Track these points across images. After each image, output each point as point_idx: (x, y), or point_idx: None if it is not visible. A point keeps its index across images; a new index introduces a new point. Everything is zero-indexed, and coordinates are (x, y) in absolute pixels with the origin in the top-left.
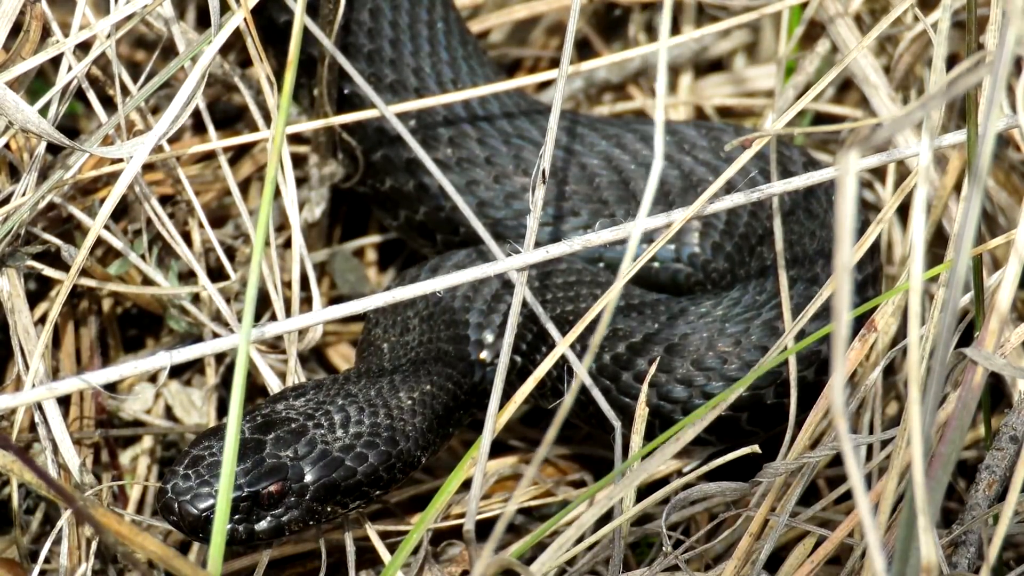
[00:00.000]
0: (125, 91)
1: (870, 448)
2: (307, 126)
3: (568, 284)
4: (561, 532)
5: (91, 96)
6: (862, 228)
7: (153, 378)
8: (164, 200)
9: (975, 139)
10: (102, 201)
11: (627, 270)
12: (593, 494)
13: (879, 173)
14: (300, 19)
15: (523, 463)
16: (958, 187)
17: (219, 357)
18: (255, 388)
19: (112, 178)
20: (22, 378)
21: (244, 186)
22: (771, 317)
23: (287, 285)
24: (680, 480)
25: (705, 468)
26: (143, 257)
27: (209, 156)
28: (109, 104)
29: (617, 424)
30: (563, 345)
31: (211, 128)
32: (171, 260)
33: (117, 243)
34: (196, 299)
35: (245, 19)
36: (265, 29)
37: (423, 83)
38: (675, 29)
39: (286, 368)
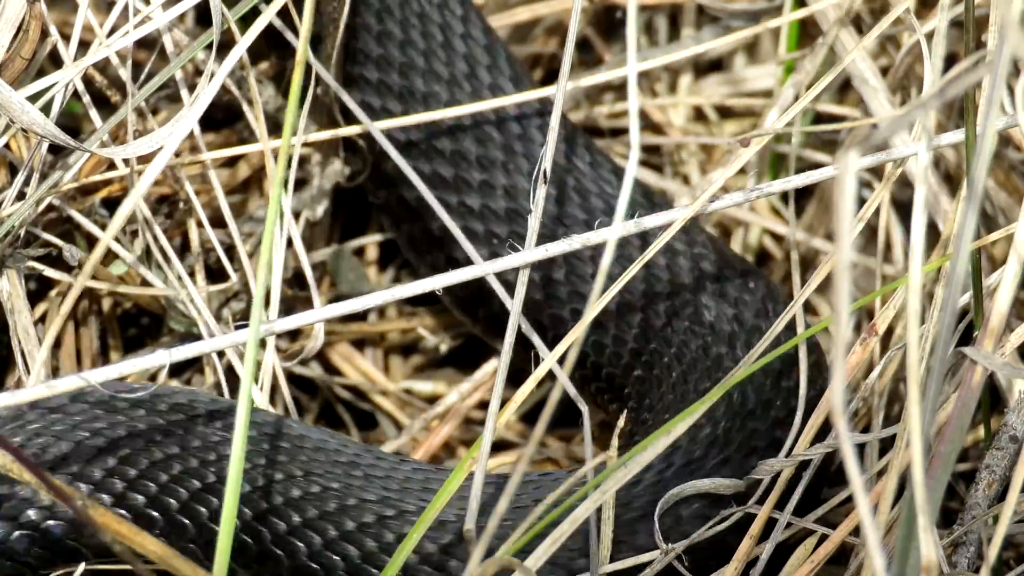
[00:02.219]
0: (125, 92)
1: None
2: (316, 136)
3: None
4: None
5: (87, 100)
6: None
7: (153, 377)
8: (163, 200)
9: (973, 139)
10: (102, 202)
11: (606, 266)
12: (586, 492)
13: (877, 172)
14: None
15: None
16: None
17: (218, 356)
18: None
19: (111, 179)
20: (22, 378)
21: (244, 186)
22: None
23: (287, 284)
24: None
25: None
26: (140, 259)
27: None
28: (107, 105)
29: (585, 409)
30: (551, 358)
31: (194, 133)
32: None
33: (115, 244)
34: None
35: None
36: (265, 32)
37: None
38: (674, 30)
39: (284, 369)
